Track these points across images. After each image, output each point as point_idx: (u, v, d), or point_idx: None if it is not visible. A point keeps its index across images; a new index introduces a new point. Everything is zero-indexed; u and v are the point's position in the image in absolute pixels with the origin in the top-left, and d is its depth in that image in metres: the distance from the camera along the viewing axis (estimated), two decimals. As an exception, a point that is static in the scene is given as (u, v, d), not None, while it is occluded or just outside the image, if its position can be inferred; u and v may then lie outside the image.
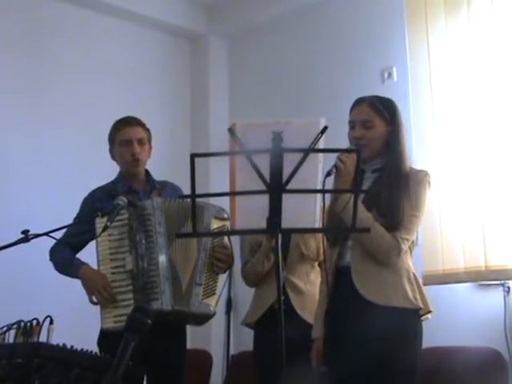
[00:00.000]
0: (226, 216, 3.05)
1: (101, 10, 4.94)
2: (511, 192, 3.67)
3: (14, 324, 2.53)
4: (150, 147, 3.33)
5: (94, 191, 3.29)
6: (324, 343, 2.71)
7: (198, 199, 2.12)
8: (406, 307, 2.57)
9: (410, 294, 2.59)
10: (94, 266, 3.05)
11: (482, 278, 3.71)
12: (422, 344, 2.65)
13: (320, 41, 4.88)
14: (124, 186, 3.24)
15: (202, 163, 2.21)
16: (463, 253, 3.78)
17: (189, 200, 2.42)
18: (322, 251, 2.90)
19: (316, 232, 2.76)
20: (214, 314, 3.09)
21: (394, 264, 2.61)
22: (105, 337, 3.00)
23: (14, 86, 4.47)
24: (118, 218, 2.93)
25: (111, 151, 3.30)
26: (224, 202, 2.45)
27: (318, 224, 2.20)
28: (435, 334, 3.28)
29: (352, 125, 2.74)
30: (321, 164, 2.17)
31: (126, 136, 3.22)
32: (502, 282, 3.65)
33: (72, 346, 2.42)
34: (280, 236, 2.08)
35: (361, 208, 2.51)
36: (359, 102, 2.75)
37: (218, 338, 4.94)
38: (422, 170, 2.74)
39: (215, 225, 3.07)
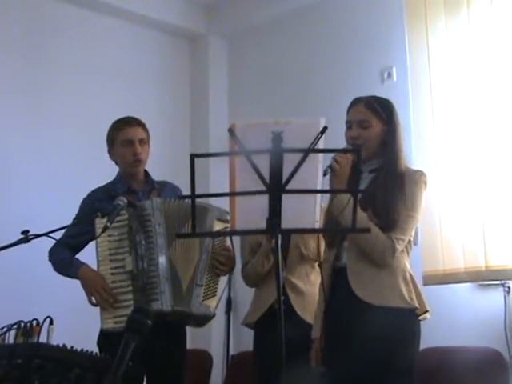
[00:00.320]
0: (228, 218, 3.04)
1: (100, 10, 4.94)
2: (511, 192, 3.67)
3: (13, 324, 2.53)
4: (149, 147, 3.33)
5: (93, 192, 3.28)
6: (322, 343, 2.71)
7: (201, 201, 2.12)
8: (401, 307, 2.57)
9: (406, 294, 2.59)
10: (94, 266, 3.05)
11: (482, 277, 3.71)
12: (419, 344, 2.65)
13: (320, 41, 4.88)
14: (123, 187, 3.23)
15: (202, 163, 2.21)
16: (463, 253, 3.78)
17: (189, 200, 2.42)
18: (321, 251, 2.90)
19: (316, 232, 2.76)
20: (214, 315, 3.09)
21: (389, 264, 2.61)
22: (105, 337, 2.99)
23: (14, 86, 4.47)
24: (118, 218, 2.93)
25: (110, 152, 3.29)
26: (224, 203, 2.45)
27: (317, 224, 2.20)
28: (435, 334, 3.29)
29: (349, 125, 2.74)
30: (321, 164, 2.17)
31: (127, 136, 3.21)
32: (502, 281, 3.65)
33: (72, 347, 2.42)
34: (280, 236, 2.08)
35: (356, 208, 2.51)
36: (356, 102, 2.76)
37: (218, 338, 4.94)
38: (418, 170, 2.74)
39: (218, 227, 3.07)
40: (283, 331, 2.04)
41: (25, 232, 2.69)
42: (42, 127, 4.54)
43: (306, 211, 2.16)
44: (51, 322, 2.54)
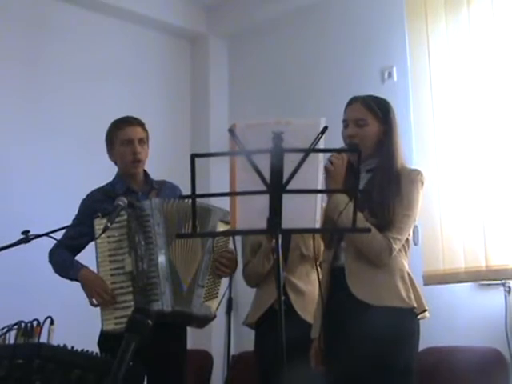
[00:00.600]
0: (231, 219, 3.05)
1: (101, 11, 4.93)
2: (511, 192, 3.67)
3: (14, 325, 2.53)
4: (148, 147, 3.32)
5: (92, 192, 3.27)
6: (321, 343, 2.71)
7: (203, 202, 2.11)
8: (399, 306, 2.56)
9: (404, 293, 2.59)
10: (94, 267, 3.05)
11: (483, 277, 3.71)
12: (419, 343, 2.65)
13: (320, 41, 4.88)
14: (122, 187, 3.23)
15: (202, 163, 2.21)
16: (463, 252, 3.78)
17: (189, 200, 2.42)
18: (320, 251, 2.91)
19: (316, 232, 2.76)
20: (215, 316, 3.08)
21: (386, 264, 2.60)
22: (105, 338, 2.99)
23: (14, 86, 4.47)
24: (117, 219, 2.92)
25: (110, 151, 3.28)
26: (224, 203, 2.45)
27: (318, 224, 2.20)
28: (435, 333, 3.29)
29: (346, 123, 2.74)
30: (321, 164, 2.17)
31: (127, 135, 3.21)
32: (503, 281, 3.65)
33: (73, 347, 2.42)
34: (280, 236, 2.09)
35: (352, 208, 2.51)
36: (353, 101, 2.76)
37: (219, 338, 4.94)
38: (414, 169, 2.73)
39: (221, 228, 3.07)
40: (283, 331, 2.04)
41: (25, 232, 2.70)
42: (42, 127, 4.53)
43: (306, 211, 2.16)
44: (52, 323, 2.55)
